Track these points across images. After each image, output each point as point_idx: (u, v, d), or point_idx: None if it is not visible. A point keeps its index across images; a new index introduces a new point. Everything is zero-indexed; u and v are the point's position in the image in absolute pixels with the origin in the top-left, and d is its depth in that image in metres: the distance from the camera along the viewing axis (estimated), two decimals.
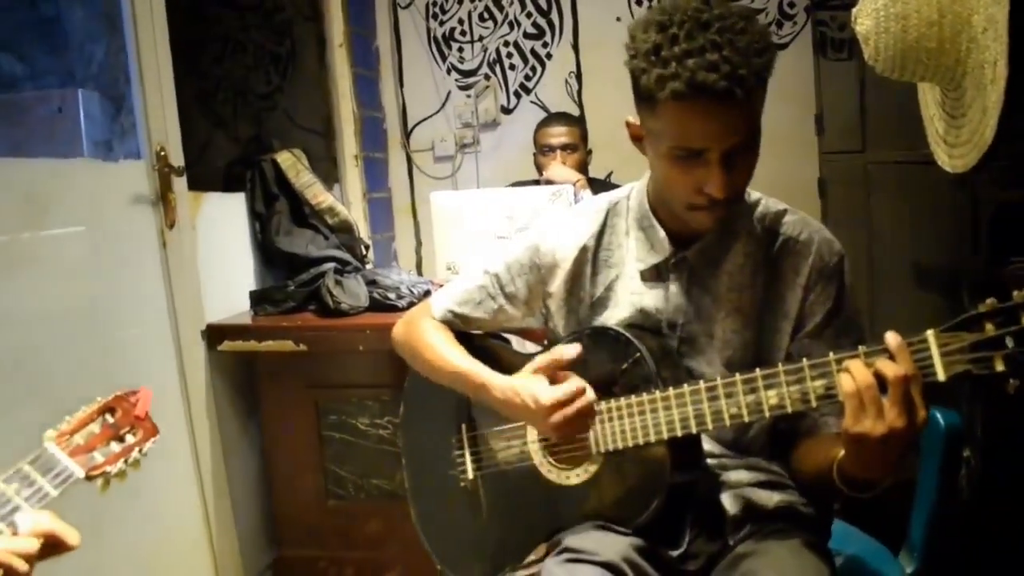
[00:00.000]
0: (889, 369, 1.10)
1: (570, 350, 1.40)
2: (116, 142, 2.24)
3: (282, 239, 2.74)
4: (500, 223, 2.57)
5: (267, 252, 2.78)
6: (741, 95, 1.21)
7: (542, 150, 3.06)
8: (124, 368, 2.16)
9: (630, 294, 1.47)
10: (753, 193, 1.47)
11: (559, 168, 2.92)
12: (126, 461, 1.19)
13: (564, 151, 3.01)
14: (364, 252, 2.94)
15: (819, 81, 3.07)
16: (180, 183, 2.39)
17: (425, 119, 3.87)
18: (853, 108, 2.64)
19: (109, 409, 1.23)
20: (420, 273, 3.47)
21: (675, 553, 1.38)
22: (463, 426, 1.61)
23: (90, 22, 2.37)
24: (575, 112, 3.60)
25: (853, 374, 1.12)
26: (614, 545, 1.35)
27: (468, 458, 1.60)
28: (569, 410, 1.34)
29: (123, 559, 2.10)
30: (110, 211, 2.20)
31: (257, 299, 2.62)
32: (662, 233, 1.44)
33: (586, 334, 1.45)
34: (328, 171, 3.42)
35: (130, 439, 1.22)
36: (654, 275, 1.46)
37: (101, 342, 2.12)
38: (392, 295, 2.47)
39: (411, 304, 2.48)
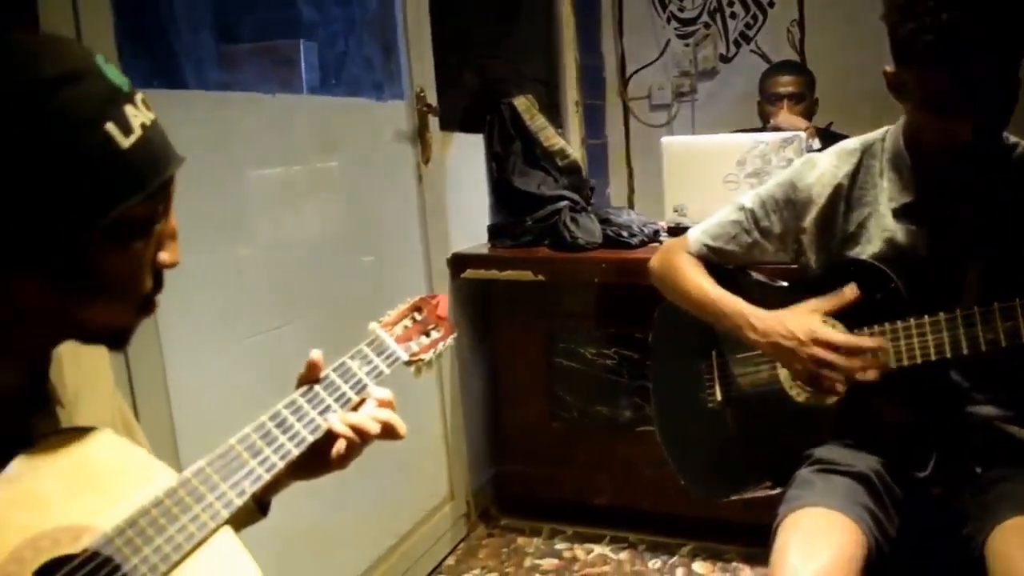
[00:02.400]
0: None
1: (850, 293, 1.49)
2: (385, 84, 2.49)
3: (517, 178, 2.94)
4: (729, 168, 2.65)
5: (502, 190, 2.99)
6: (995, 48, 1.25)
7: (768, 98, 3.10)
8: (385, 286, 2.41)
9: (882, 231, 1.55)
10: (1011, 137, 1.51)
11: (787, 116, 2.96)
12: (434, 353, 1.37)
13: (791, 100, 3.05)
14: (590, 194, 3.09)
15: None
16: (435, 123, 2.62)
17: (643, 67, 3.96)
18: None
19: (417, 308, 1.37)
20: None
21: (921, 475, 1.47)
22: (713, 352, 1.74)
23: None
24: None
25: None
26: (865, 459, 1.46)
27: (717, 381, 1.73)
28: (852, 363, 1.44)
29: (374, 457, 2.37)
30: (379, 146, 2.45)
31: (495, 232, 2.84)
32: (914, 174, 1.51)
33: (841, 265, 1.55)
34: (550, 118, 3.57)
35: (434, 335, 1.36)
36: (906, 213, 1.52)
37: (369, 262, 2.39)
38: (625, 233, 2.61)
39: (643, 243, 2.62)
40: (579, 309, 2.71)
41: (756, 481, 1.71)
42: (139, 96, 0.89)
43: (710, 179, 2.66)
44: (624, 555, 2.70)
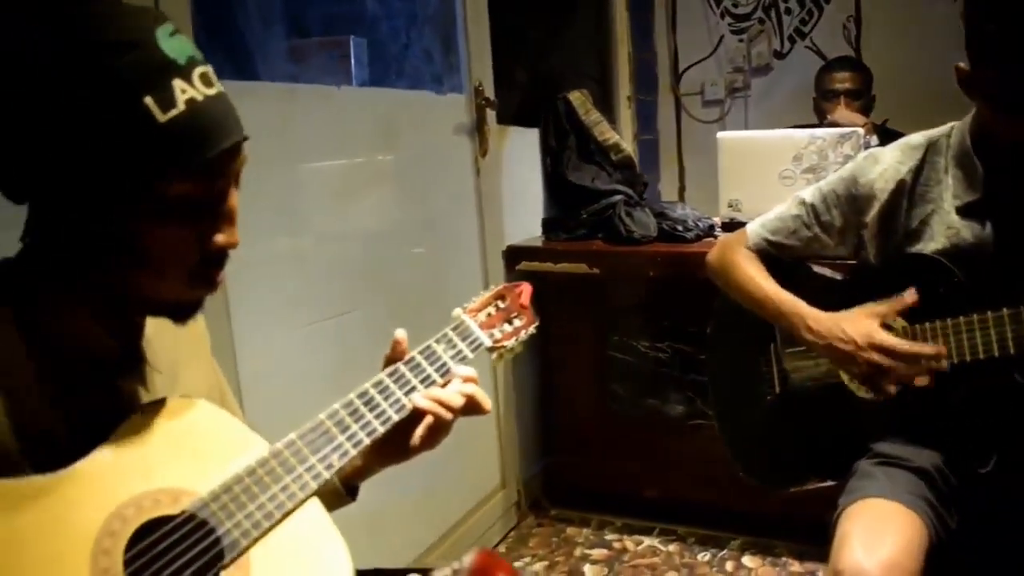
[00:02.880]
0: None
1: (909, 297, 1.50)
2: (445, 78, 2.53)
3: (571, 172, 2.97)
4: (785, 164, 2.65)
5: (556, 184, 3.02)
6: None
7: (825, 95, 3.09)
8: (442, 277, 2.46)
9: (946, 228, 1.54)
10: None
11: (845, 112, 2.95)
12: (516, 340, 1.39)
13: (848, 96, 3.03)
14: (643, 188, 3.11)
15: None
16: (492, 116, 2.65)
17: (696, 63, 3.96)
18: None
19: (501, 296, 1.37)
20: None
21: (983, 470, 1.47)
22: (772, 345, 1.76)
23: None
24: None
25: None
26: (925, 454, 1.47)
27: (776, 374, 1.75)
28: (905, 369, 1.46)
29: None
30: (438, 139, 2.50)
31: (549, 226, 2.87)
32: (981, 171, 1.51)
33: (902, 260, 1.56)
34: (602, 113, 3.60)
35: (517, 323, 1.35)
36: (972, 211, 1.52)
37: (427, 253, 2.43)
38: (680, 227, 2.63)
39: (698, 237, 2.63)
40: (633, 303, 2.73)
41: (814, 474, 1.72)
42: (199, 70, 0.89)
43: (766, 175, 2.66)
44: (673, 547, 2.72)
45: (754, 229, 1.78)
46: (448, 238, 2.54)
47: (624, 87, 3.76)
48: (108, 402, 0.97)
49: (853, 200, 1.65)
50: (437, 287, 2.41)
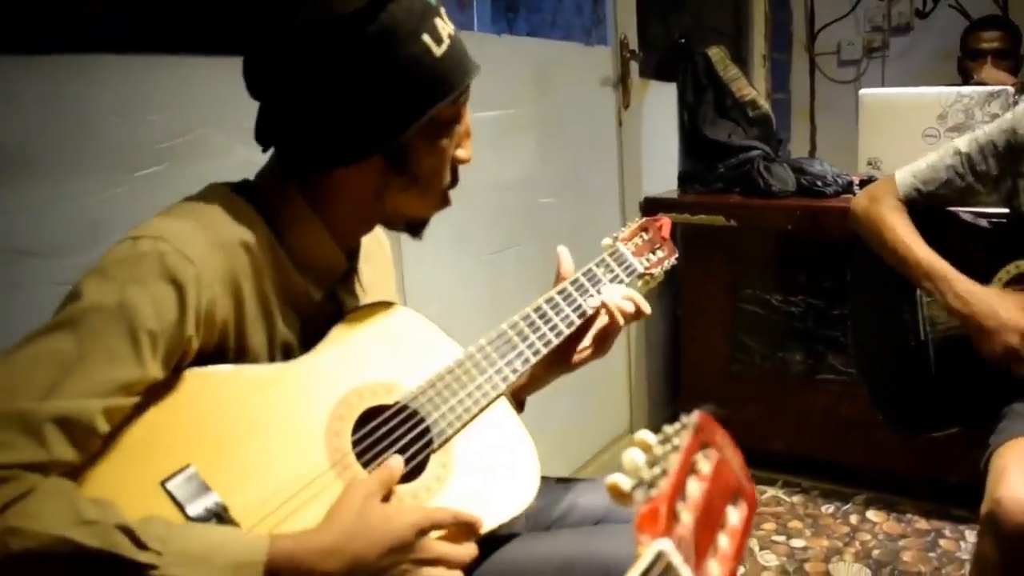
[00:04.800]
0: None
1: None
2: (593, 30, 2.60)
3: (707, 127, 3.00)
4: (929, 122, 2.64)
5: (693, 138, 3.06)
6: None
7: (971, 54, 3.05)
8: (584, 223, 2.54)
9: None
10: None
11: (992, 71, 2.90)
12: (661, 269, 1.47)
13: (995, 56, 2.98)
14: (778, 145, 3.13)
15: None
16: (634, 69, 2.72)
17: (832, 22, 3.92)
18: None
19: (644, 228, 1.47)
20: None
21: None
22: (916, 292, 1.79)
23: None
24: None
25: None
26: None
27: (920, 321, 1.79)
28: None
29: (559, 385, 2.54)
30: (585, 89, 2.57)
31: (685, 179, 2.93)
32: None
33: None
34: None
35: (660, 254, 1.45)
36: None
37: (571, 200, 2.52)
38: (819, 183, 2.65)
39: (836, 192, 2.65)
40: (768, 256, 2.77)
41: (956, 421, 1.76)
42: (442, 9, 1.03)
43: (908, 133, 2.65)
44: (797, 498, 2.77)
45: (904, 179, 1.80)
46: (590, 187, 2.62)
47: (759, 46, 3.76)
48: (331, 309, 1.11)
49: (1011, 150, 1.67)
50: (580, 232, 2.49)
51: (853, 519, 2.63)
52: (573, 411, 2.52)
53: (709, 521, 0.67)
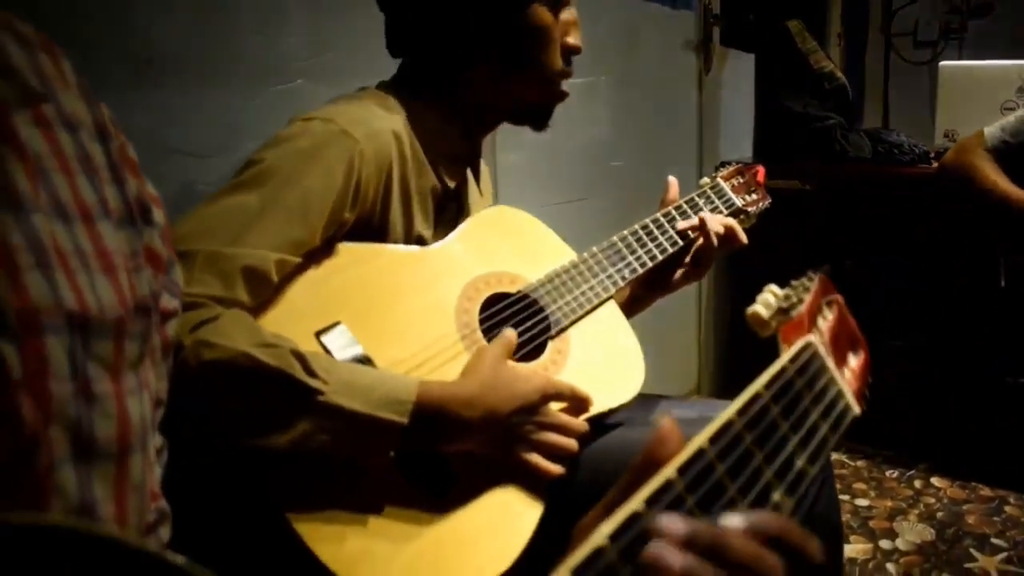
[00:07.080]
0: None
1: None
2: None
3: (785, 98, 3.04)
4: (1008, 95, 2.66)
5: (769, 107, 3.10)
6: None
7: None
8: (661, 182, 2.60)
9: None
10: None
11: None
12: (755, 210, 1.55)
13: None
14: (854, 117, 3.16)
15: None
16: (716, 35, 2.77)
17: (910, 3, 3.92)
18: None
19: (740, 172, 1.58)
20: None
21: None
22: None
23: None
24: None
25: None
26: None
27: (1001, 267, 1.83)
28: None
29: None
30: (669, 52, 2.64)
31: (762, 147, 2.97)
32: None
33: None
34: None
35: (754, 196, 1.56)
36: None
37: (649, 160, 2.59)
38: (896, 151, 2.68)
39: (913, 160, 2.68)
40: (842, 221, 2.80)
41: None
42: None
43: (987, 105, 2.68)
44: (861, 463, 2.81)
45: (992, 132, 1.85)
46: (669, 149, 2.69)
47: (835, 24, 3.78)
48: (458, 206, 1.21)
49: None
50: (654, 194, 2.56)
51: (917, 483, 2.67)
52: (645, 365, 2.58)
53: (837, 352, 0.75)
